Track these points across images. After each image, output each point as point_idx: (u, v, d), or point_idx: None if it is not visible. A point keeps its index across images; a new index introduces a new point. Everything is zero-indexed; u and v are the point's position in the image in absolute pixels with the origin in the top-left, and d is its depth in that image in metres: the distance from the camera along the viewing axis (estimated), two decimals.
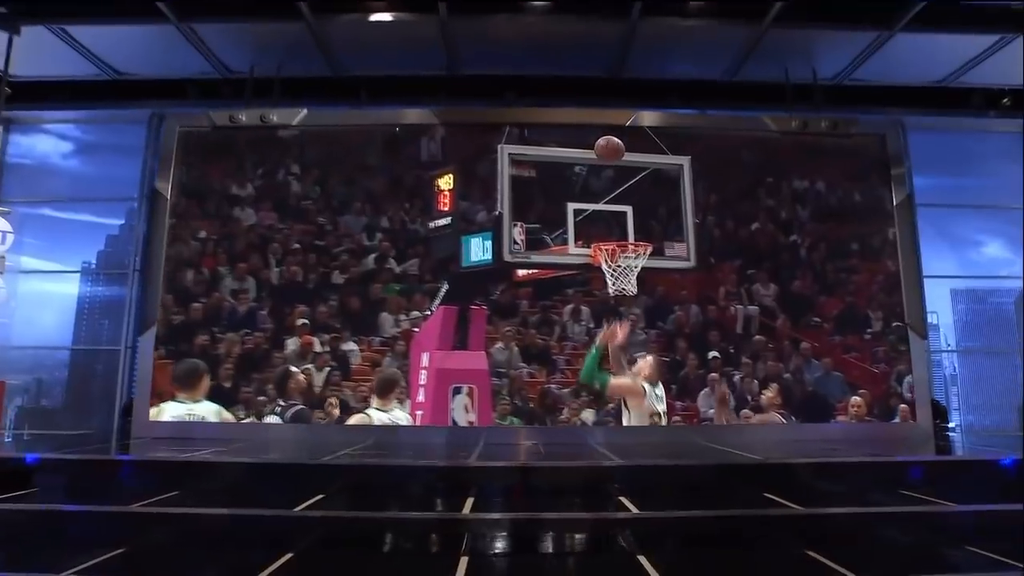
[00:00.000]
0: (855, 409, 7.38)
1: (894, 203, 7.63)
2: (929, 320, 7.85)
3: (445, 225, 7.68)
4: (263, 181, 7.86)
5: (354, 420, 6.72)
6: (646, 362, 6.55)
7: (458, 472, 4.54)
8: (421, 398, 7.37)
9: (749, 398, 7.38)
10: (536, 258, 7.45)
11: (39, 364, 7.68)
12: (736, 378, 7.42)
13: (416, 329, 7.51)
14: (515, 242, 7.42)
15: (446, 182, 7.81)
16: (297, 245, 7.70)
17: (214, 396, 7.10)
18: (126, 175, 7.50)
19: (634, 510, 3.56)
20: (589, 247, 7.45)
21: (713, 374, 7.37)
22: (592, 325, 7.61)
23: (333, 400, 7.17)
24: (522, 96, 7.92)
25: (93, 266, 7.93)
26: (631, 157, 7.82)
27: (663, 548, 3.16)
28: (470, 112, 7.84)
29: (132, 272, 7.40)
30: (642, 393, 6.37)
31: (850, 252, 7.90)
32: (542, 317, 7.59)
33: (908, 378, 7.61)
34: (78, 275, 7.90)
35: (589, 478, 4.34)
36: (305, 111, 7.77)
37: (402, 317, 7.54)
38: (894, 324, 7.74)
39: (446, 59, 8.00)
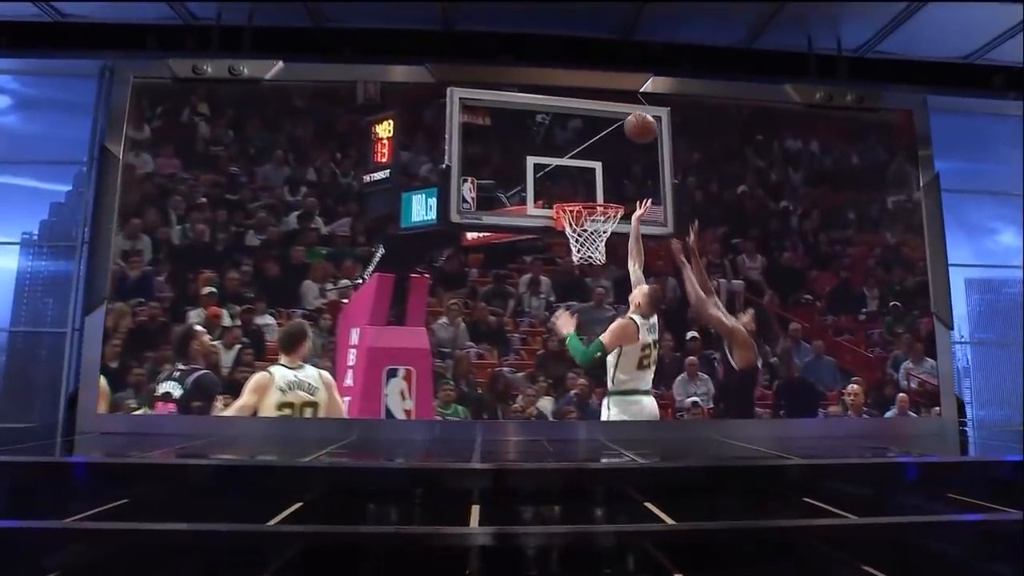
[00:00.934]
0: (852, 398, 6.51)
1: (920, 184, 6.86)
2: None
3: (382, 179, 6.55)
4: (162, 122, 6.55)
5: (253, 382, 5.52)
6: (640, 292, 5.56)
7: (464, 475, 3.71)
8: (349, 382, 6.24)
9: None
10: (489, 220, 6.38)
11: None
12: (717, 362, 6.44)
13: (345, 301, 6.39)
14: (464, 200, 6.34)
15: (385, 129, 6.69)
16: (204, 199, 6.46)
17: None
18: (74, 135, 6.53)
19: (669, 520, 2.95)
20: (551, 208, 6.41)
21: (691, 357, 6.38)
22: (553, 298, 6.55)
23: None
24: (522, 58, 6.93)
25: (35, 238, 6.88)
26: (601, 106, 6.78)
27: (705, 565, 2.71)
28: (471, 71, 6.71)
29: (80, 244, 6.40)
30: (635, 332, 5.37)
31: (846, 222, 7.01)
32: (494, 288, 6.51)
33: (906, 363, 6.80)
34: (17, 248, 6.90)
35: (609, 480, 3.79)
36: (281, 63, 6.55)
37: (329, 286, 6.39)
38: (891, 304, 6.90)
39: (441, 13, 6.86)
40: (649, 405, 5.47)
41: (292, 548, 2.72)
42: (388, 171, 6.54)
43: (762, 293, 6.73)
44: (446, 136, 6.43)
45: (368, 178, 6.57)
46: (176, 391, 5.94)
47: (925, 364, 6.80)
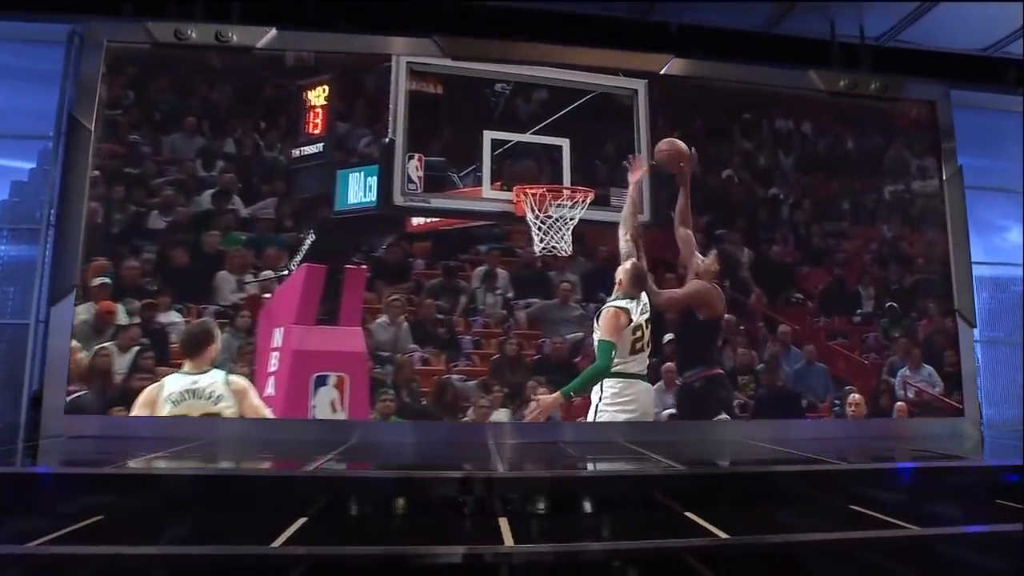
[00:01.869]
0: (852, 409, 5.83)
1: (943, 177, 6.40)
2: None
3: (314, 154, 5.68)
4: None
5: (141, 396, 4.64)
6: (622, 269, 4.91)
7: (490, 483, 3.26)
8: (270, 390, 5.32)
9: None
10: (438, 203, 5.59)
11: None
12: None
13: (267, 295, 5.48)
14: (410, 180, 5.54)
15: (319, 96, 5.81)
16: (97, 172, 5.44)
17: None
18: (38, 108, 5.94)
19: (721, 534, 2.65)
20: (510, 191, 5.63)
21: (669, 363, 5.59)
22: (511, 294, 5.70)
23: None
24: (534, 35, 6.20)
25: None
26: (569, 76, 5.97)
27: None
28: (485, 46, 5.95)
29: (46, 227, 5.75)
30: (626, 318, 4.73)
31: (841, 213, 6.31)
32: (443, 282, 5.65)
33: (903, 371, 6.16)
34: None
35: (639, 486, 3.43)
36: (274, 31, 5.68)
37: (248, 278, 5.46)
38: (887, 304, 6.24)
39: None
40: (646, 390, 4.88)
41: (298, 568, 2.40)
42: (321, 144, 5.68)
43: (749, 291, 5.96)
44: (390, 106, 5.63)
45: (297, 152, 5.70)
46: None
47: (923, 372, 6.20)
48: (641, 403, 4.80)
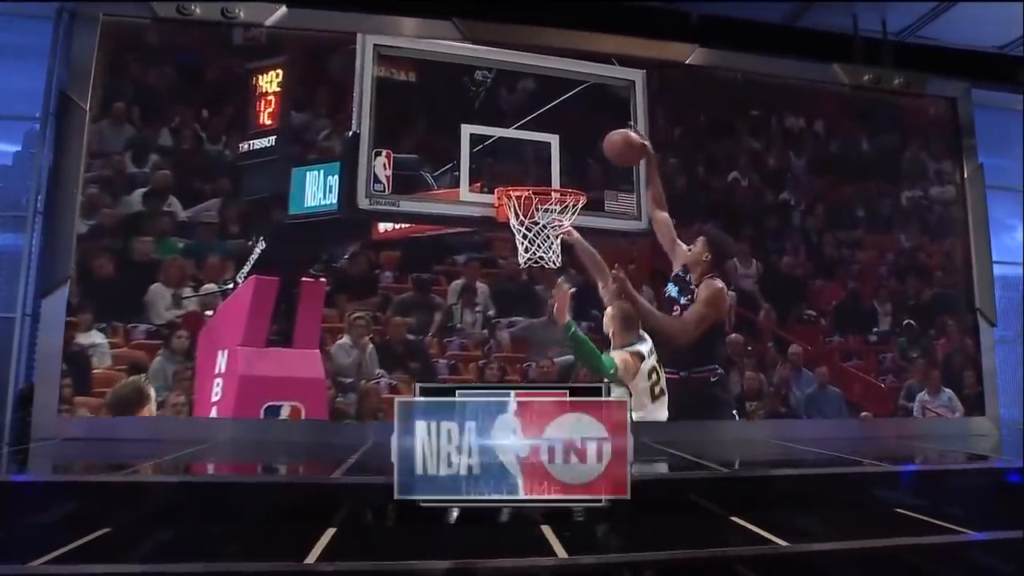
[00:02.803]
0: None
1: (964, 175, 6.13)
2: None
3: (266, 148, 5.08)
4: None
5: None
6: (607, 318, 4.48)
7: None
8: None
9: None
10: (409, 206, 4.96)
11: None
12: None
13: (209, 313, 4.90)
14: (377, 180, 4.94)
15: (271, 81, 5.18)
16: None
17: None
18: (23, 88, 5.76)
19: (780, 542, 2.55)
20: (491, 193, 5.02)
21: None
22: (492, 312, 5.05)
23: None
24: (558, 22, 5.77)
25: None
26: (559, 64, 5.32)
27: None
28: (508, 31, 5.46)
29: (32, 215, 5.57)
30: (636, 364, 4.28)
31: (855, 220, 5.79)
32: (415, 297, 5.11)
33: (921, 395, 5.74)
34: None
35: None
36: (284, 8, 5.20)
37: (186, 292, 4.90)
38: (905, 322, 5.76)
39: None
40: None
41: None
42: (274, 137, 5.10)
43: (757, 307, 5.38)
44: (355, 93, 5.00)
45: (246, 146, 5.14)
46: None
47: (942, 396, 5.81)
48: None
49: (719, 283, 4.63)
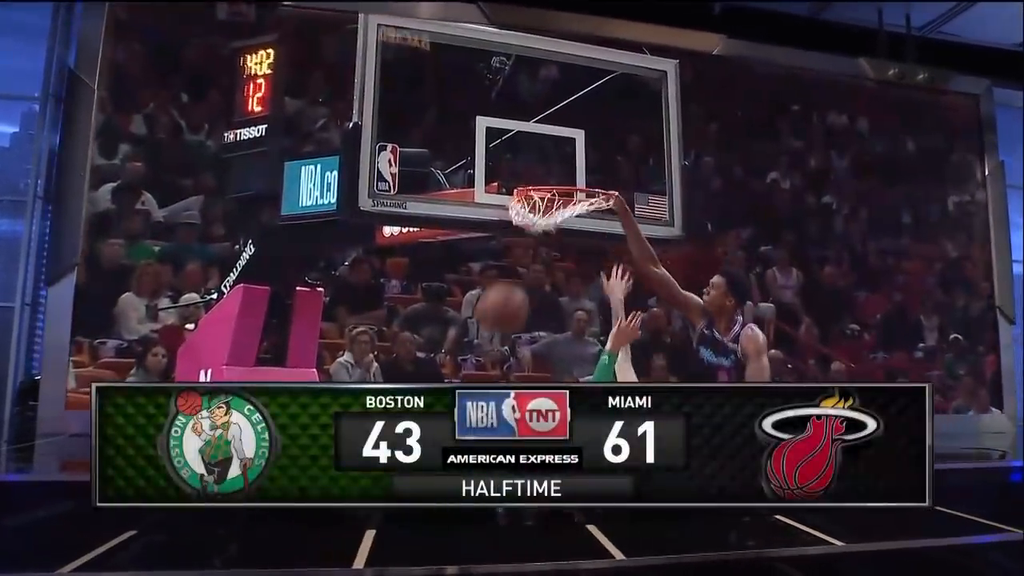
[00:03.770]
0: None
1: (986, 171, 5.99)
2: None
3: (255, 139, 4.49)
4: None
5: None
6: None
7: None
8: None
9: None
10: (417, 208, 4.56)
11: None
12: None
13: (190, 327, 4.40)
14: (381, 178, 4.58)
15: (261, 63, 4.64)
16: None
17: None
18: (22, 67, 5.73)
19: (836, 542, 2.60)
20: (511, 193, 4.46)
21: None
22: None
23: None
24: (582, 8, 5.51)
25: None
26: (585, 51, 4.89)
27: None
28: (536, 15, 5.15)
29: (32, 199, 5.51)
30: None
31: (901, 227, 5.47)
32: (425, 310, 4.77)
33: (968, 415, 5.41)
34: None
35: None
36: None
37: (164, 303, 4.55)
38: (951, 337, 5.46)
39: None
40: None
41: None
42: (264, 127, 4.52)
43: (798, 321, 4.99)
44: (356, 79, 4.59)
45: (232, 136, 4.56)
46: None
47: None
48: None
49: (760, 335, 4.04)
